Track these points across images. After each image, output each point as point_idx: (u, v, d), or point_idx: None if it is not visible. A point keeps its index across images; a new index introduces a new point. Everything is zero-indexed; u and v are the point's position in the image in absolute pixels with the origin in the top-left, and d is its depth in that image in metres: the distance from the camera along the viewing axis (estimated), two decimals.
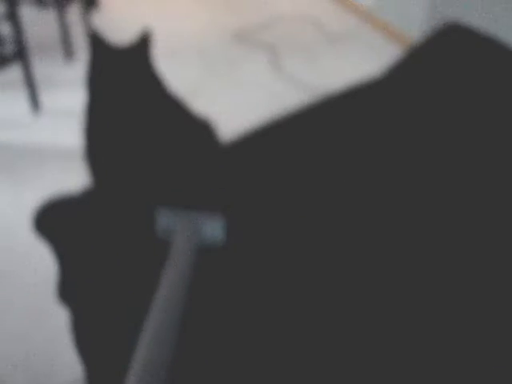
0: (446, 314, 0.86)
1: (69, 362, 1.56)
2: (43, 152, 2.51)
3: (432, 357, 0.80)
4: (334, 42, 3.69)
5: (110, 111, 1.12)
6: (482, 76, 1.20)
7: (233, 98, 3.03)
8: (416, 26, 3.45)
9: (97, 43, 1.25)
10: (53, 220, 1.02)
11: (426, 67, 1.26)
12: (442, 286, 0.89)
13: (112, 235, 0.98)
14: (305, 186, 1.05)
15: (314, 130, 1.16)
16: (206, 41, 3.70)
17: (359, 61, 3.48)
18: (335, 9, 4.27)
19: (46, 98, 2.89)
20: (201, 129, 1.13)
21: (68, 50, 3.34)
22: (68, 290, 1.05)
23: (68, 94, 2.97)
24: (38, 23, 3.73)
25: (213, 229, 0.93)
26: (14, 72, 2.72)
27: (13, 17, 2.55)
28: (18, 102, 2.86)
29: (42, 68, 3.11)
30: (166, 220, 0.94)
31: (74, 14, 3.63)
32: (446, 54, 1.26)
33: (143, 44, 1.26)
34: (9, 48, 2.62)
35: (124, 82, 1.20)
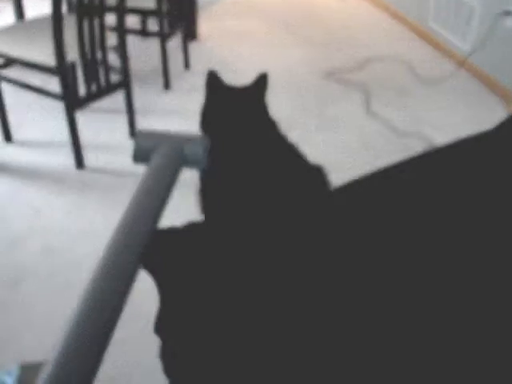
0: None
1: None
2: (139, 176, 2.61)
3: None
4: (427, 86, 3.64)
5: (226, 151, 1.14)
6: None
7: (325, 137, 3.05)
8: None
9: (213, 83, 1.28)
10: (159, 254, 1.04)
11: None
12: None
13: (219, 272, 0.98)
14: (410, 242, 1.02)
15: (424, 183, 1.14)
16: (299, 77, 3.75)
17: (451, 107, 3.41)
18: (431, 52, 4.23)
19: (143, 124, 3.02)
20: (314, 174, 1.13)
21: (166, 80, 3.48)
22: (166, 323, 1.06)
23: (163, 123, 3.09)
24: (139, 53, 3.92)
25: (194, 149, 0.88)
26: (113, 98, 2.85)
27: (121, 48, 2.70)
28: (119, 127, 3.01)
29: (141, 96, 3.26)
30: (144, 142, 0.89)
31: (173, 43, 3.79)
32: None
33: (260, 86, 1.29)
34: (115, 77, 2.77)
35: (240, 123, 1.22)
